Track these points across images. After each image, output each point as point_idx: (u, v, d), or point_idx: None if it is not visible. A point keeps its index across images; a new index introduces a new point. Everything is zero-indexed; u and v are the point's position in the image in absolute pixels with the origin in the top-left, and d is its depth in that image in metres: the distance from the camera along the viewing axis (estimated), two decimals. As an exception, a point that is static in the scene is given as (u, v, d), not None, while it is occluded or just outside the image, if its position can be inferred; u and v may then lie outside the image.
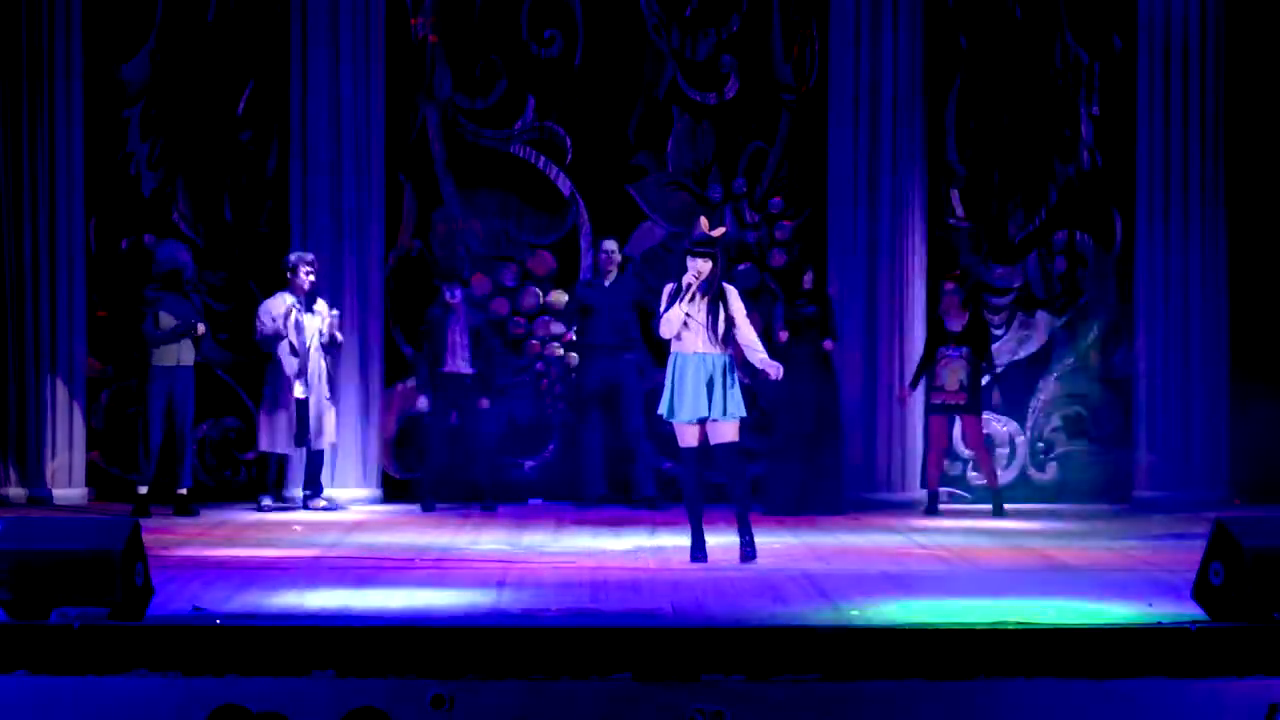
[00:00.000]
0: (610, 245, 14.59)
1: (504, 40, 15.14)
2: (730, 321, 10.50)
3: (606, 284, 14.51)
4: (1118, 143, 15.07)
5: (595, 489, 14.60)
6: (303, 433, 13.99)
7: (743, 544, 10.63)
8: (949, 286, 14.33)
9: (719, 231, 10.67)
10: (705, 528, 10.76)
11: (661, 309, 10.57)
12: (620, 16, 15.13)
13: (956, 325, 14.27)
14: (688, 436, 10.62)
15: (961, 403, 14.24)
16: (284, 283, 14.08)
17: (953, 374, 14.22)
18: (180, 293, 13.95)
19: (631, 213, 15.14)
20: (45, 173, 14.43)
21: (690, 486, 10.74)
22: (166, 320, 13.75)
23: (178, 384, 13.78)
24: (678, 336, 10.52)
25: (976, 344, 14.26)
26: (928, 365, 14.29)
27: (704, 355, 10.49)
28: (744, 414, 10.57)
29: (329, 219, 14.66)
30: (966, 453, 14.81)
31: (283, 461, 14.25)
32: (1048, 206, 15.19)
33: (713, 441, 10.58)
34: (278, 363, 14.01)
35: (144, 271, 14.59)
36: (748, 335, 10.60)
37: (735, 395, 10.52)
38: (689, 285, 10.43)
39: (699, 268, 10.44)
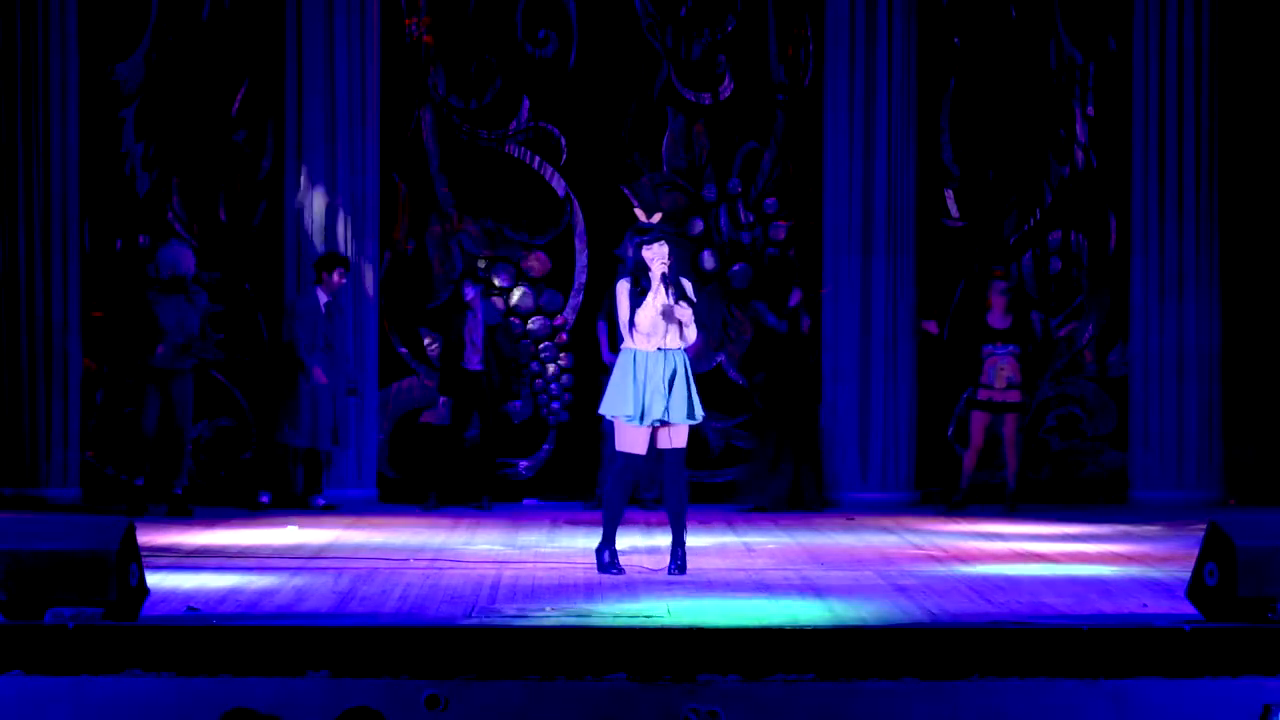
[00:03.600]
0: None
1: (499, 40, 15.15)
2: (693, 312, 9.88)
3: None
4: (1112, 143, 15.09)
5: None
6: (322, 428, 14.07)
7: (676, 555, 10.04)
8: (1001, 285, 14.31)
9: (656, 217, 10.19)
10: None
11: (624, 310, 9.91)
12: (615, 16, 15.13)
13: (1004, 323, 14.24)
14: (638, 442, 9.90)
15: (1012, 401, 14.22)
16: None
17: (1000, 372, 14.20)
18: (185, 295, 13.89)
19: (626, 213, 15.10)
20: (40, 172, 14.42)
21: (621, 497, 10.07)
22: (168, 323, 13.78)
23: (177, 385, 13.78)
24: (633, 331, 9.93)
25: (1024, 341, 14.27)
26: (972, 360, 14.30)
27: (665, 352, 9.90)
28: (702, 418, 10.01)
29: (323, 219, 14.67)
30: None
31: (287, 458, 14.26)
32: (1042, 207, 15.20)
33: (667, 445, 9.97)
34: (304, 358, 14.04)
35: (141, 271, 14.58)
36: (691, 333, 9.91)
37: (696, 397, 9.95)
38: (664, 275, 9.81)
39: (659, 252, 9.84)
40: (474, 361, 14.37)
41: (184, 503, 13.68)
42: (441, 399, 14.56)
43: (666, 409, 9.83)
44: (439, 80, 15.11)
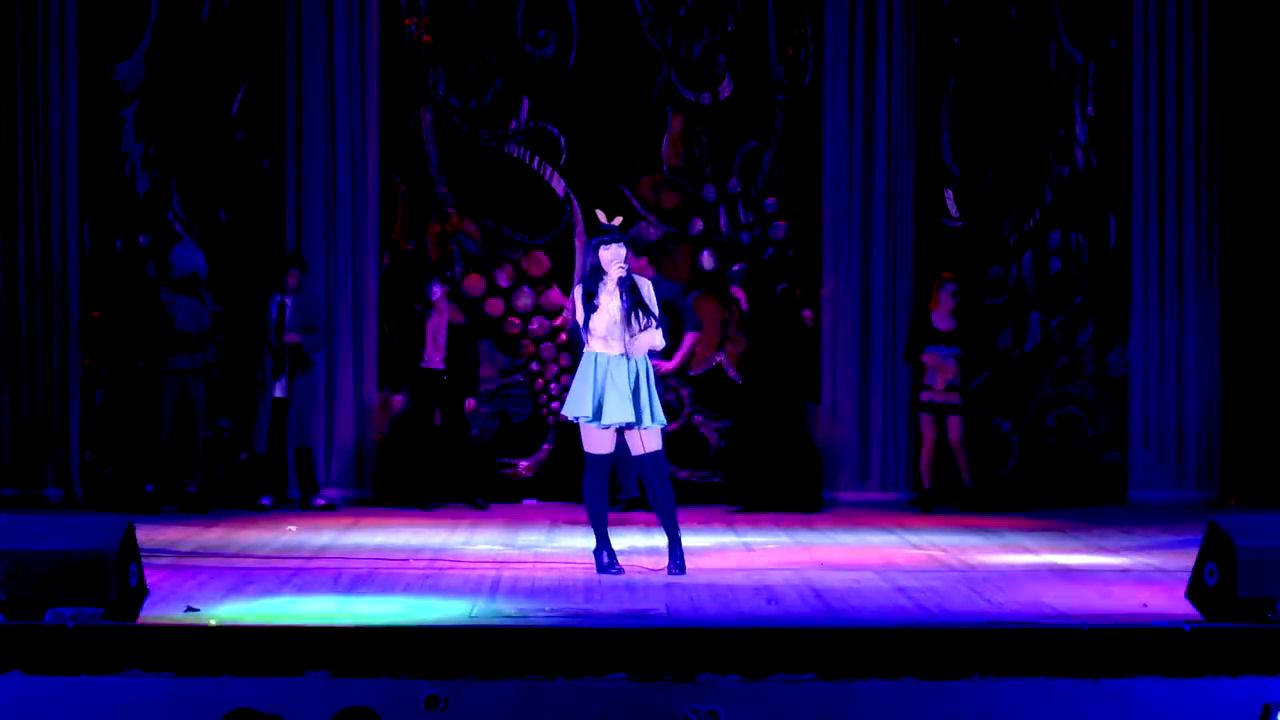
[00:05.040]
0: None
1: (498, 40, 15.14)
2: (650, 318, 9.83)
3: None
4: (1112, 143, 15.09)
5: (629, 491, 14.29)
6: (279, 434, 14.05)
7: (674, 555, 10.01)
8: (953, 287, 14.35)
9: (618, 220, 10.15)
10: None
11: (580, 314, 9.88)
12: (615, 16, 15.13)
13: (948, 324, 14.31)
14: (603, 443, 9.93)
15: (953, 402, 14.32)
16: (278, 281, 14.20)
17: (940, 374, 14.30)
18: (197, 295, 13.90)
19: (626, 213, 15.12)
20: (40, 172, 14.43)
21: (600, 497, 10.07)
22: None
23: (190, 384, 13.81)
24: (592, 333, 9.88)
25: (967, 344, 14.34)
26: (914, 362, 14.41)
27: (627, 355, 9.84)
28: (662, 423, 9.97)
29: (323, 219, 14.69)
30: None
31: (280, 461, 14.25)
32: (1042, 207, 15.20)
33: (641, 450, 9.95)
34: (264, 362, 14.06)
35: (141, 271, 14.59)
36: (652, 340, 9.89)
37: (658, 400, 9.95)
38: (620, 279, 9.75)
39: (616, 254, 9.77)
40: (434, 360, 14.36)
41: (198, 500, 13.68)
42: (397, 396, 14.55)
43: (626, 412, 9.81)
44: (439, 80, 15.11)
